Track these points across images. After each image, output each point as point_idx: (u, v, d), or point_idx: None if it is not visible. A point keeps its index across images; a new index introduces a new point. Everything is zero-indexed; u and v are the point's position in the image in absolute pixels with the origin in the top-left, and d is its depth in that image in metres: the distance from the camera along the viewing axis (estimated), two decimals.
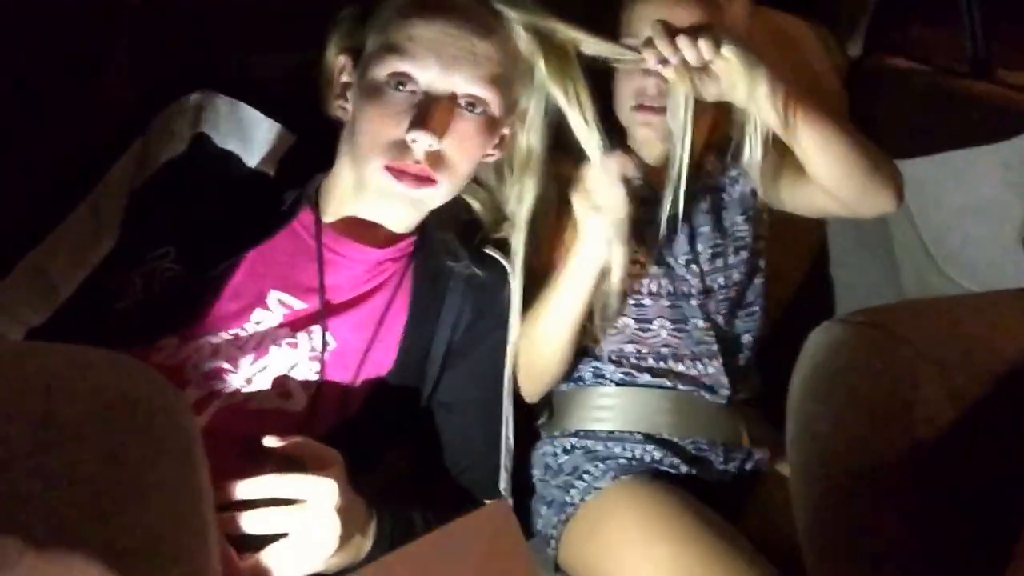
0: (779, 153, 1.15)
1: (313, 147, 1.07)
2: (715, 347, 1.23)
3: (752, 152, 1.12)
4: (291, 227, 1.04)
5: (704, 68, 1.04)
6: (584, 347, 1.23)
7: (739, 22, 1.22)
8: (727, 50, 1.03)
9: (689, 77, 1.05)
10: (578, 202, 1.06)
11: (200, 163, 1.04)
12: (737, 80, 1.05)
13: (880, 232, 1.54)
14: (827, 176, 1.12)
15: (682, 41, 1.02)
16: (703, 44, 1.02)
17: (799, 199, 1.23)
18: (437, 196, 1.04)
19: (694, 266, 1.23)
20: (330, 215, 1.06)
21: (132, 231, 1.02)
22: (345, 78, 1.06)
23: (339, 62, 1.06)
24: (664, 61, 1.04)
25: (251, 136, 1.06)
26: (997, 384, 0.66)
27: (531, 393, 1.19)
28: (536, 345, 1.14)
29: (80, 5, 1.04)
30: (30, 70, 1.02)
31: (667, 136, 1.13)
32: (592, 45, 1.07)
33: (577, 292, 1.10)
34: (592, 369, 1.24)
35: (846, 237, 1.57)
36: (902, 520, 0.64)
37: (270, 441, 0.91)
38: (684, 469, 1.19)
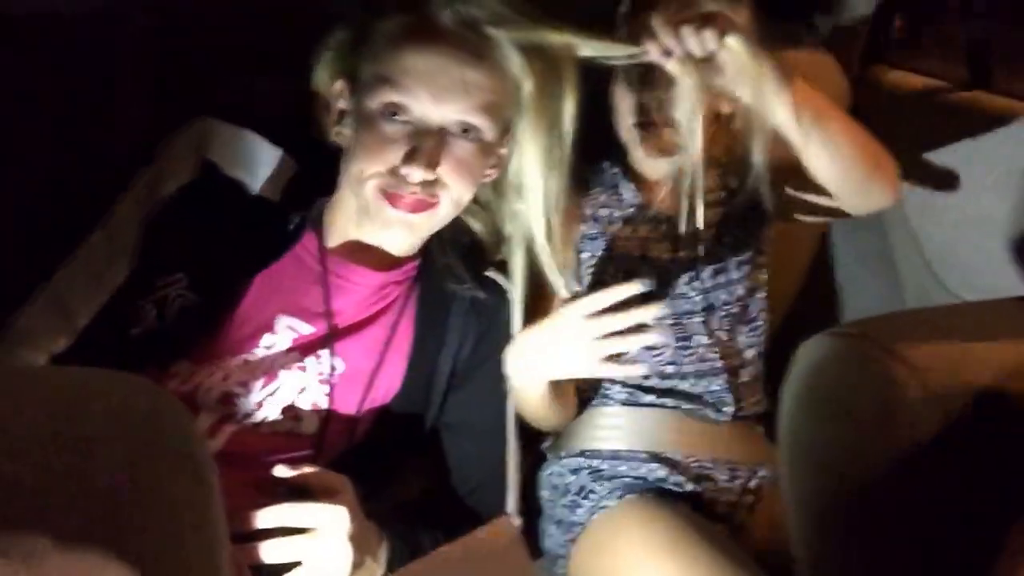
0: (780, 159, 1.13)
1: (316, 173, 1.08)
2: (719, 364, 1.23)
3: (755, 149, 1.10)
4: (295, 251, 1.06)
5: (709, 59, 1.01)
6: None
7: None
8: (732, 40, 1.00)
9: (694, 68, 1.02)
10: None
11: (207, 191, 1.05)
12: (742, 71, 1.02)
13: (882, 247, 1.54)
14: (830, 170, 1.10)
15: (686, 31, 0.99)
16: (707, 34, 0.99)
17: (801, 204, 1.22)
18: (435, 219, 1.05)
19: (696, 283, 1.24)
20: (333, 239, 1.08)
21: (145, 259, 1.04)
22: (342, 104, 1.07)
23: (335, 88, 1.07)
24: (668, 53, 1.01)
25: (255, 163, 1.08)
26: (983, 392, 0.66)
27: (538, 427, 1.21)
28: (530, 416, 1.17)
29: (93, 30, 1.06)
30: (45, 99, 1.05)
31: (676, 133, 1.10)
32: (590, 46, 1.05)
33: (535, 402, 1.14)
34: (598, 389, 1.25)
35: (848, 253, 1.58)
36: (891, 528, 0.64)
37: (280, 471, 0.93)
38: (689, 487, 1.20)
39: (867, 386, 0.69)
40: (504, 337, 1.11)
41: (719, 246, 1.25)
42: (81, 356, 0.99)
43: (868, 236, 1.54)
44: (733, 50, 1.00)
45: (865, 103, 1.49)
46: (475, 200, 1.10)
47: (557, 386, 1.13)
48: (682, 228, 1.17)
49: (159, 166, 1.06)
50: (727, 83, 1.03)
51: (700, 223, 1.15)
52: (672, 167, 1.18)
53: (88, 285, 1.01)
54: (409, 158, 0.99)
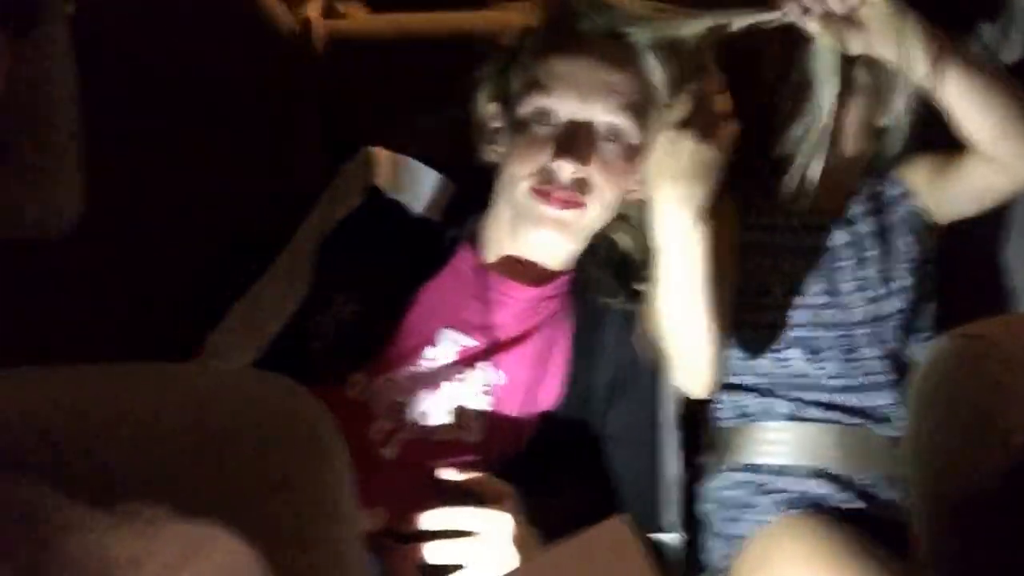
0: (933, 152, 1.09)
1: (474, 192, 1.15)
2: (888, 377, 1.19)
3: (897, 112, 1.06)
4: (454, 266, 1.12)
5: (849, 17, 0.99)
6: (754, 384, 1.22)
7: None
8: None
9: (835, 26, 0.99)
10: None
11: (373, 214, 1.14)
12: (884, 27, 0.99)
13: None
14: (984, 127, 1.05)
15: None
16: None
17: (964, 188, 1.17)
18: (586, 220, 1.08)
19: (863, 292, 1.20)
20: (490, 255, 1.13)
21: (321, 277, 1.13)
22: (496, 123, 1.13)
23: (490, 109, 1.14)
24: (807, 10, 0.99)
25: (417, 187, 1.16)
26: None
27: (696, 387, 1.11)
28: (678, 330, 1.06)
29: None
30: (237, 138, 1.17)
31: (812, 99, 1.06)
32: (728, 22, 1.04)
33: (682, 264, 1.03)
34: (760, 404, 1.23)
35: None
36: (994, 533, 0.61)
37: (446, 474, 0.99)
38: (852, 504, 1.16)
39: (971, 388, 0.67)
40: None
41: (886, 253, 1.21)
42: (267, 368, 1.07)
43: None
44: (874, 5, 0.97)
45: None
46: (624, 218, 1.12)
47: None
48: (790, 194, 1.09)
49: (332, 193, 1.16)
50: (868, 42, 1.00)
51: (811, 189, 1.08)
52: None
53: (273, 304, 1.12)
54: (559, 153, 1.03)
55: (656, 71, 1.06)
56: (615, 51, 1.06)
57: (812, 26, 1.00)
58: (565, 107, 1.05)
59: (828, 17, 0.99)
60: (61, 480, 0.48)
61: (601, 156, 1.05)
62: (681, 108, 0.99)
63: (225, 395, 0.61)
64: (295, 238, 1.15)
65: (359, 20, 1.70)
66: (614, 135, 1.06)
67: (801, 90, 1.08)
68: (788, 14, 1.01)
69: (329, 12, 1.59)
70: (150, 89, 1.36)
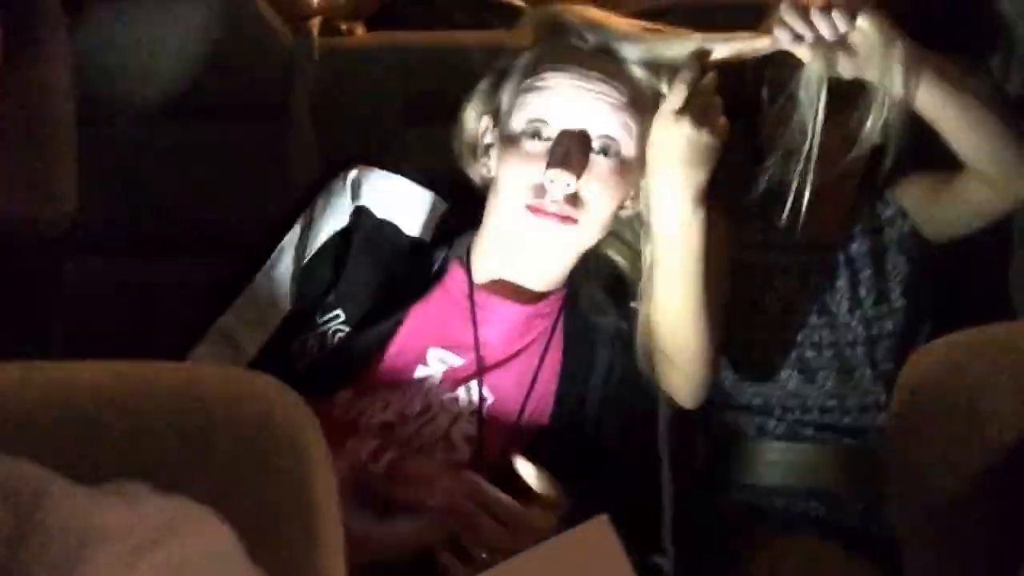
0: (924, 170, 1.09)
1: (464, 211, 1.14)
2: (883, 397, 1.18)
3: (888, 131, 1.05)
4: (443, 285, 1.12)
5: (840, 42, 0.99)
6: (748, 403, 1.21)
7: None
8: (863, 21, 0.98)
9: (825, 53, 1.00)
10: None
11: (361, 233, 1.13)
12: (874, 52, 0.99)
13: None
14: (976, 151, 1.05)
15: (815, 15, 0.98)
16: (838, 16, 0.97)
17: (958, 206, 1.16)
18: (578, 237, 1.07)
19: (857, 312, 1.20)
20: (480, 274, 1.12)
21: (305, 298, 1.12)
22: (487, 139, 1.13)
23: (481, 124, 1.13)
24: (799, 38, 0.99)
25: (407, 206, 1.15)
26: None
27: (686, 394, 1.12)
28: (673, 325, 1.07)
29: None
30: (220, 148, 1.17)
31: (798, 121, 1.05)
32: (720, 47, 1.04)
33: (680, 253, 1.04)
34: (756, 422, 1.22)
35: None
36: (978, 538, 0.61)
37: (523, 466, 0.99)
38: (850, 523, 1.15)
39: (953, 393, 0.67)
40: None
41: (880, 273, 1.21)
42: None
43: None
44: (864, 31, 0.98)
45: None
46: (616, 235, 1.12)
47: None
48: (783, 217, 1.07)
49: (316, 211, 1.14)
50: (858, 66, 1.00)
51: (800, 213, 1.06)
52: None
53: (254, 323, 1.11)
54: (552, 165, 1.02)
55: (646, 83, 1.06)
56: (605, 63, 1.06)
57: (802, 53, 1.01)
58: (557, 119, 1.05)
59: (818, 43, 0.99)
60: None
61: (594, 169, 1.04)
62: (677, 95, 1.00)
63: (208, 390, 0.63)
64: (277, 251, 1.14)
65: (357, 38, 1.71)
66: (606, 148, 1.05)
67: (787, 112, 1.08)
68: (779, 41, 1.01)
69: (327, 29, 1.60)
70: (145, 100, 1.39)
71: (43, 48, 1.05)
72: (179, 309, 1.15)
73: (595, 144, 1.04)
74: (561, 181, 1.02)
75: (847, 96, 1.03)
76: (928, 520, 0.68)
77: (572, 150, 1.03)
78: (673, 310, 1.06)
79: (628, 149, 1.06)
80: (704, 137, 0.99)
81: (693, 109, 0.99)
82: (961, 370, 0.69)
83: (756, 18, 1.11)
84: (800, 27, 0.99)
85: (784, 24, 0.99)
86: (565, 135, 1.04)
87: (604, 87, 1.04)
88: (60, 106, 1.08)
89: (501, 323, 1.11)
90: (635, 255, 1.13)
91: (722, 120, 1.02)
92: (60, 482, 0.47)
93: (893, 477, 0.74)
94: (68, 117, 1.09)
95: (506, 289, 1.12)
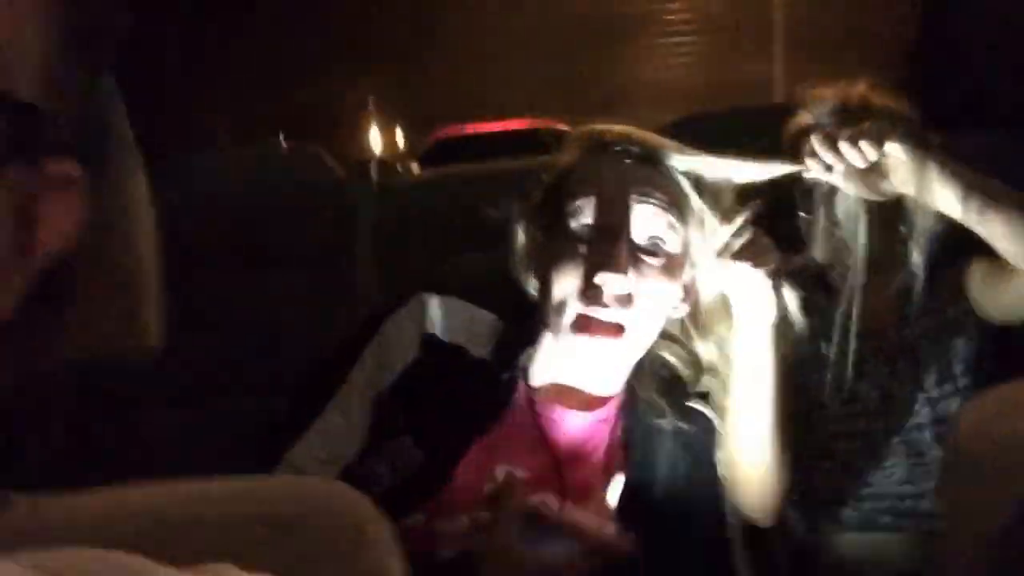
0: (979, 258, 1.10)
1: (524, 330, 1.17)
2: None
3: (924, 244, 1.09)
4: (512, 406, 1.13)
5: (872, 168, 1.03)
6: (823, 496, 1.20)
7: None
8: (891, 146, 1.01)
9: (859, 179, 1.03)
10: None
11: (431, 362, 1.15)
12: (907, 173, 1.02)
13: None
14: (1019, 254, 1.05)
15: (844, 146, 1.01)
16: (865, 145, 1.00)
17: (1011, 295, 1.16)
18: (626, 348, 1.09)
19: (921, 395, 1.19)
20: (540, 384, 1.15)
21: (378, 431, 1.13)
22: (539, 251, 1.15)
23: (531, 240, 1.16)
24: (829, 168, 1.03)
25: (472, 329, 1.18)
26: None
27: (763, 512, 1.13)
28: (749, 452, 1.09)
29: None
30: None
31: (843, 247, 1.10)
32: (752, 170, 1.07)
33: (754, 384, 1.07)
34: (830, 514, 1.21)
35: None
36: None
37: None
38: None
39: (1004, 442, 0.67)
40: (716, 466, 1.12)
41: (940, 355, 1.20)
42: None
43: None
44: (893, 155, 1.01)
45: None
46: (670, 336, 1.14)
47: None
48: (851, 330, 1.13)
49: (386, 343, 1.16)
50: (894, 186, 1.04)
51: (854, 324, 1.12)
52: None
53: (326, 456, 1.12)
54: (601, 265, 1.04)
55: (686, 191, 1.09)
56: (648, 170, 1.09)
57: (836, 181, 1.05)
58: (600, 217, 1.07)
59: (850, 170, 1.03)
60: None
61: (643, 269, 1.06)
62: (733, 243, 1.03)
63: (293, 495, 0.67)
64: (348, 383, 1.15)
65: (413, 176, 1.83)
66: (655, 247, 1.08)
67: (831, 230, 1.13)
68: (811, 170, 1.05)
69: (384, 170, 1.72)
70: (218, 247, 1.49)
71: (123, 184, 1.12)
72: (248, 449, 1.20)
73: (643, 244, 1.07)
74: (612, 282, 1.05)
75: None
76: (977, 561, 0.67)
77: (617, 250, 1.05)
78: (749, 441, 1.09)
79: (674, 246, 1.08)
80: (763, 277, 1.03)
81: (748, 254, 1.03)
82: (1010, 419, 0.69)
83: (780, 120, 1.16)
84: (830, 159, 1.03)
85: (813, 156, 1.04)
86: (613, 236, 1.06)
87: (647, 189, 1.07)
88: (146, 243, 1.14)
89: (565, 431, 1.13)
90: (688, 352, 1.15)
91: (775, 257, 1.04)
92: (163, 567, 0.52)
93: (944, 521, 0.74)
94: (151, 253, 1.15)
95: (566, 397, 1.14)
